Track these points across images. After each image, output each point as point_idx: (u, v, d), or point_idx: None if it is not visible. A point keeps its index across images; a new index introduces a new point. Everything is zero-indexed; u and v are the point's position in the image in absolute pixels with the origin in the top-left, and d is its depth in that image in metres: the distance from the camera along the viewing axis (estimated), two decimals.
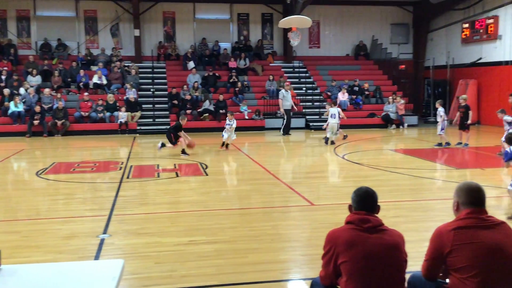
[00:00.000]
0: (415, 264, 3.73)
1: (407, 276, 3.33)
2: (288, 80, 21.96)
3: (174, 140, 13.18)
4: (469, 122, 14.25)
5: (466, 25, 21.94)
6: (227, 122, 14.22)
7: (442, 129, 14.18)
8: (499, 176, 10.40)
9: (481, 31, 21.02)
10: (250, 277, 4.89)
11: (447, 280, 3.22)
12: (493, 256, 3.02)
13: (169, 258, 5.38)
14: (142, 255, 5.52)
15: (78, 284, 3.02)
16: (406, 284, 3.24)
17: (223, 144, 14.05)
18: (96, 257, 5.44)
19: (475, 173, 10.83)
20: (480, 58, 21.25)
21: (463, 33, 22.14)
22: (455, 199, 3.31)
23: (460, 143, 14.36)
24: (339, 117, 15.25)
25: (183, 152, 13.07)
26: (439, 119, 14.28)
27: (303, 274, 5.06)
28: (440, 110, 14.27)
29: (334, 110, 15.37)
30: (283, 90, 18.51)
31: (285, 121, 18.21)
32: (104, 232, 6.33)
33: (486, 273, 2.99)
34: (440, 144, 14.35)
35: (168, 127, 13.54)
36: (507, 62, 19.74)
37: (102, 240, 6.01)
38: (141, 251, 5.64)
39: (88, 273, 3.22)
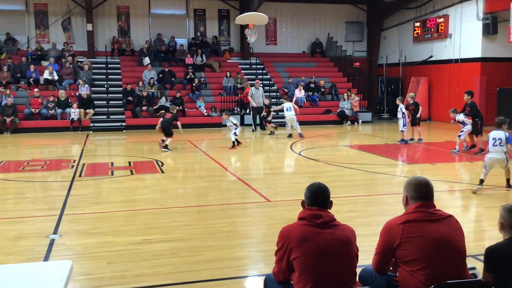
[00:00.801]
0: (368, 258, 3.78)
1: (359, 270, 3.38)
2: (245, 77, 22.03)
3: (172, 132, 13.18)
4: (418, 115, 14.62)
5: (418, 24, 22.55)
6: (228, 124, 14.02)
7: (404, 125, 14.47)
8: (449, 171, 10.75)
9: (432, 29, 21.67)
10: (206, 274, 4.86)
11: (397, 273, 3.29)
12: (441, 249, 3.11)
13: (122, 257, 5.28)
14: (94, 255, 5.39)
15: (25, 286, 2.93)
16: (357, 278, 3.30)
17: (234, 144, 13.73)
18: (46, 258, 5.28)
19: (426, 168, 11.15)
20: (431, 56, 21.90)
21: (415, 32, 22.75)
22: (404, 194, 3.38)
23: (413, 139, 14.75)
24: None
25: (165, 147, 13.00)
26: (400, 115, 14.55)
27: (258, 271, 5.07)
28: (402, 107, 14.56)
29: (289, 104, 16.22)
30: (253, 88, 18.74)
31: (257, 117, 18.51)
32: (55, 233, 6.15)
33: (434, 266, 3.07)
34: (403, 141, 14.59)
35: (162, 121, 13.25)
36: (456, 60, 20.41)
37: (52, 241, 5.83)
38: (93, 251, 5.50)
39: (35, 275, 3.13)
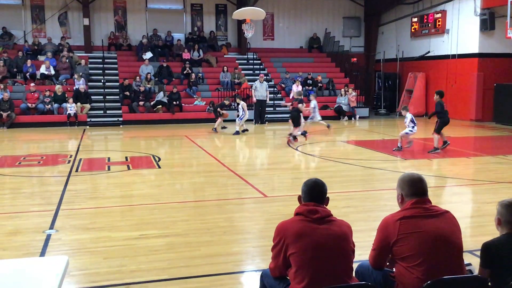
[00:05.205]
0: (364, 253, 3.79)
1: (355, 265, 3.38)
2: (243, 72, 21.99)
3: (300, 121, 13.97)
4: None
5: (415, 19, 22.51)
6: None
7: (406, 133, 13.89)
8: (445, 166, 10.77)
9: (429, 25, 21.63)
10: (202, 270, 4.85)
11: (394, 269, 3.29)
12: (437, 245, 3.10)
13: (119, 253, 5.27)
14: (90, 250, 5.38)
15: (20, 282, 2.90)
16: (353, 274, 3.29)
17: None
18: (42, 254, 5.26)
19: (423, 163, 11.15)
20: (429, 52, 21.88)
21: (412, 27, 22.71)
22: (398, 192, 3.37)
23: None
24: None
25: (294, 137, 13.81)
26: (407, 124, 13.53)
27: (255, 266, 5.07)
28: (409, 116, 12.76)
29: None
30: (257, 82, 19.00)
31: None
32: (51, 228, 6.13)
33: (431, 261, 3.06)
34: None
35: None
36: (454, 56, 20.40)
37: (48, 236, 5.81)
38: (89, 247, 5.49)
39: (31, 270, 3.10)
